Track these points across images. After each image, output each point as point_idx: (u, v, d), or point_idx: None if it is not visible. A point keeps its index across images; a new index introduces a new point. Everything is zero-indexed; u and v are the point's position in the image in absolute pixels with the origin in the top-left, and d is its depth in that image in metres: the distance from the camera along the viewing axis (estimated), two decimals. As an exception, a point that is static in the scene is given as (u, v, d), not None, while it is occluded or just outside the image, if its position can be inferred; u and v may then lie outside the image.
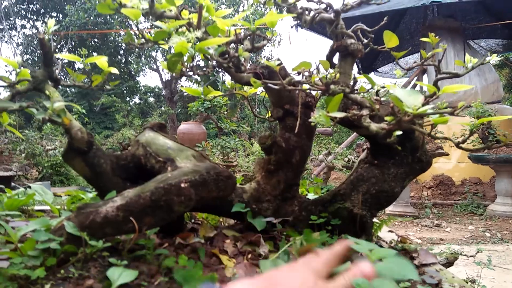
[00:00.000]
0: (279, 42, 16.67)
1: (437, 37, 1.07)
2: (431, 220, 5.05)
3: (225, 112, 9.62)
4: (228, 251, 0.93)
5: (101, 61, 1.24)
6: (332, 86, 0.84)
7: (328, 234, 0.99)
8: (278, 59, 1.09)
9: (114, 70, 1.30)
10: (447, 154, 5.14)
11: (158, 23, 0.95)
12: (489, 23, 7.83)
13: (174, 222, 1.06)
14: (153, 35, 1.01)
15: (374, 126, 0.83)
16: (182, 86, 17.13)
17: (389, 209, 5.52)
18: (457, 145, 0.82)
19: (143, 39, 1.10)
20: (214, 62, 1.03)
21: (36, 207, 1.43)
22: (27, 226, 0.83)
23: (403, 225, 4.97)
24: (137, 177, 1.02)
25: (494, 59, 0.96)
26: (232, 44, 1.06)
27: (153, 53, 16.77)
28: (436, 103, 0.90)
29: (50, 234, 0.79)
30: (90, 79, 1.31)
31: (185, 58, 0.96)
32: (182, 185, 0.80)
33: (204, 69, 1.11)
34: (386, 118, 0.70)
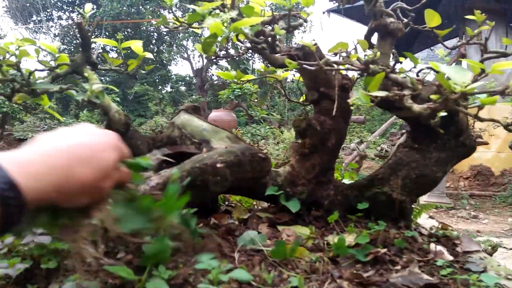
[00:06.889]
0: (310, 28, 16.35)
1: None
2: (468, 212, 4.87)
3: (255, 100, 9.62)
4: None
5: (136, 45, 1.25)
6: (371, 66, 0.81)
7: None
8: (314, 40, 1.06)
9: (149, 55, 1.31)
10: (487, 143, 4.92)
11: (192, 6, 0.94)
12: (535, 4, 7.34)
13: (209, 204, 1.07)
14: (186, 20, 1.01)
15: (416, 107, 0.80)
16: (213, 74, 17.25)
17: (423, 199, 5.37)
18: (506, 126, 0.77)
19: (176, 23, 1.10)
20: (248, 44, 1.01)
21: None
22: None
23: (438, 216, 4.82)
24: (174, 158, 1.04)
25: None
26: (269, 27, 1.05)
27: (184, 42, 16.92)
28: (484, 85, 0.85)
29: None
30: (126, 65, 1.33)
31: (219, 40, 0.95)
32: (218, 165, 0.80)
33: (238, 53, 1.10)
34: (432, 96, 0.66)
